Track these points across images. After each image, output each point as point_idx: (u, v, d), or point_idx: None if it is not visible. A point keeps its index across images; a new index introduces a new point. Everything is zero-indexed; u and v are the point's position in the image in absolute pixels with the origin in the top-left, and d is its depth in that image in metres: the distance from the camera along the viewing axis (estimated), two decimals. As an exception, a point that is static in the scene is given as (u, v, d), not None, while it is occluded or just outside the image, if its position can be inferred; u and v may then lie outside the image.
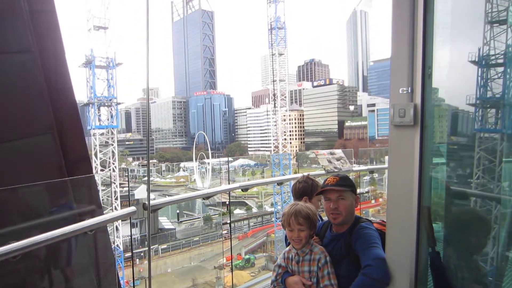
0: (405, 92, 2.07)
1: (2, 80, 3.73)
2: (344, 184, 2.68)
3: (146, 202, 2.96)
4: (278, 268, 2.73)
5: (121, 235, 30.47)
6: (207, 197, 4.00)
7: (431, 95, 2.08)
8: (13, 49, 3.79)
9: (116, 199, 32.01)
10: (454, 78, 2.21)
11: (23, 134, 3.82)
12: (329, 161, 5.28)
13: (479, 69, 1.99)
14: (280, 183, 5.73)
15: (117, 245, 29.37)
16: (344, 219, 2.65)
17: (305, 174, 3.57)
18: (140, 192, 52.99)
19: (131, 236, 27.79)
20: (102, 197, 30.91)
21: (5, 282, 2.71)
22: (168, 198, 3.73)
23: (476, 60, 1.98)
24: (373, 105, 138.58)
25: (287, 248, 2.75)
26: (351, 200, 2.68)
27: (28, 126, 3.87)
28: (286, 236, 3.04)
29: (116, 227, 29.89)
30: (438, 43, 2.06)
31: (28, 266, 2.81)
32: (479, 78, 2.01)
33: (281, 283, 2.68)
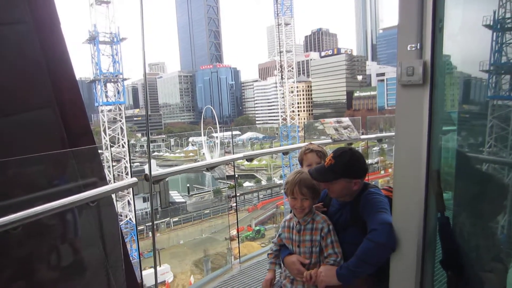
0: (413, 48, 1.92)
1: (-2, 53, 3.64)
2: (335, 171, 2.46)
3: (148, 173, 2.92)
4: (274, 245, 2.73)
5: (133, 208, 31.03)
6: (210, 167, 3.94)
7: (442, 51, 1.93)
8: (6, 20, 3.67)
9: (127, 174, 32.39)
10: (467, 43, 2.06)
11: (24, 108, 3.76)
12: (336, 130, 5.15)
13: (494, 33, 1.84)
14: (285, 152, 5.63)
15: (130, 219, 29.97)
16: (337, 197, 2.58)
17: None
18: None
19: (134, 208, 28.33)
20: (113, 172, 31.34)
21: (9, 254, 2.72)
22: (169, 169, 3.69)
23: (491, 24, 1.82)
24: (383, 74, 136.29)
25: (288, 216, 2.68)
26: (344, 185, 2.47)
27: (28, 100, 3.81)
28: None
29: (128, 201, 30.40)
30: (450, 5, 1.92)
31: (31, 239, 2.82)
32: (494, 42, 1.86)
33: (282, 261, 2.65)
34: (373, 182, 2.74)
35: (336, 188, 2.50)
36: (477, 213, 2.15)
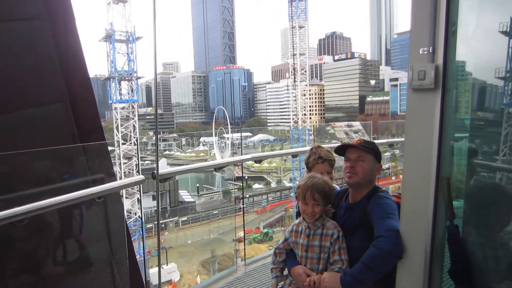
0: (425, 52, 1.88)
1: (12, 49, 3.68)
2: (367, 147, 2.54)
3: (155, 171, 2.92)
4: (278, 255, 2.68)
5: (142, 206, 31.24)
6: (218, 167, 3.91)
7: (455, 55, 1.89)
8: (21, 16, 3.71)
9: (138, 172, 32.63)
10: (481, 48, 2.01)
11: (35, 103, 3.80)
12: (346, 134, 5.10)
13: (510, 40, 1.79)
14: (295, 155, 5.60)
15: (138, 216, 30.19)
16: (360, 181, 2.52)
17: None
18: (160, 166, 54.01)
19: (141, 206, 28.45)
20: (124, 169, 31.64)
21: (15, 248, 2.75)
22: (177, 168, 3.69)
23: (508, 30, 1.77)
24: (396, 79, 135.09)
25: (297, 221, 2.63)
26: (371, 164, 2.53)
27: (40, 95, 3.84)
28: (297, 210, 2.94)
29: (138, 198, 30.63)
30: (464, 9, 1.87)
31: (37, 232, 2.84)
32: (510, 49, 1.81)
33: (287, 270, 2.60)
34: (383, 188, 2.69)
35: (364, 166, 2.51)
36: (488, 222, 2.09)
